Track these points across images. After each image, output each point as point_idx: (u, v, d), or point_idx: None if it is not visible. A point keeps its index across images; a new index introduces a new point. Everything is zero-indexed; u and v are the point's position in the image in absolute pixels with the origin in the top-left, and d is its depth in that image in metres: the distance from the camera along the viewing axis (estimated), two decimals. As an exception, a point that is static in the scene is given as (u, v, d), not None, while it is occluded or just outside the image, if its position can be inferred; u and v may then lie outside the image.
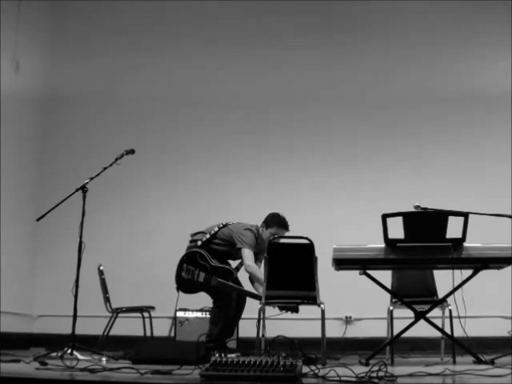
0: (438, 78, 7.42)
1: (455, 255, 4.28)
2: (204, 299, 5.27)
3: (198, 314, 6.13)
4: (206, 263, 5.02)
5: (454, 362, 4.52)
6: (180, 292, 5.07)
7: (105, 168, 4.96)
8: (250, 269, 5.00)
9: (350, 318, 6.92)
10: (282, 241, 5.05)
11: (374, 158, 7.32)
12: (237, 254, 5.14)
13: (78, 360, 4.10)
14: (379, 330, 5.54)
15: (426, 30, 7.55)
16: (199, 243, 5.11)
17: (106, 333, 5.96)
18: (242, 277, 5.20)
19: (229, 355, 3.01)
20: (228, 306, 5.00)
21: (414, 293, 5.08)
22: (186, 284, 5.03)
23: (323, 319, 4.56)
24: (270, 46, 7.68)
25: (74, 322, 4.64)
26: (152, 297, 6.29)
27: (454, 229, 4.30)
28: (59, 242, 7.20)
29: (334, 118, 7.52)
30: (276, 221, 5.18)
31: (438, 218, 4.35)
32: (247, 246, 5.03)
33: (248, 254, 5.02)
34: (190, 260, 5.05)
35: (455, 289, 4.51)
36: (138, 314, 6.18)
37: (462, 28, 7.51)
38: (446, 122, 7.36)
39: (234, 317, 5.11)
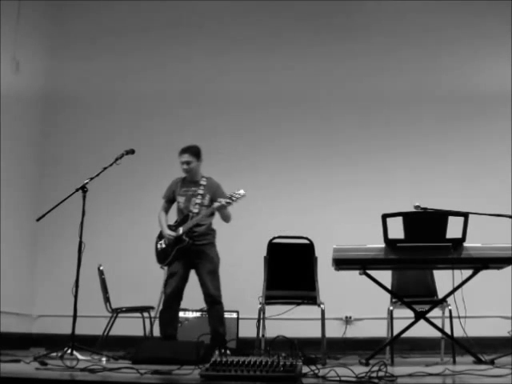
0: (438, 78, 7.41)
1: (455, 255, 4.28)
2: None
3: (198, 314, 6.13)
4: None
5: (454, 362, 4.52)
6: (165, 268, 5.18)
7: (105, 168, 4.96)
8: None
9: (350, 318, 6.91)
10: (282, 241, 5.05)
11: (374, 157, 7.32)
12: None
13: (78, 360, 4.11)
14: (379, 330, 5.53)
15: (425, 29, 7.53)
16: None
17: (105, 333, 5.95)
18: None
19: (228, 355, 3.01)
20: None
21: (414, 293, 5.08)
22: (162, 254, 5.14)
23: (323, 319, 4.57)
24: (269, 45, 7.67)
25: (74, 321, 4.64)
26: (152, 297, 6.28)
27: (454, 229, 4.30)
28: (59, 242, 7.20)
29: (334, 118, 7.51)
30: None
31: (438, 218, 4.35)
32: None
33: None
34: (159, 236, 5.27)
35: (455, 289, 4.52)
36: (138, 314, 6.17)
37: (461, 28, 7.49)
38: (446, 122, 7.35)
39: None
